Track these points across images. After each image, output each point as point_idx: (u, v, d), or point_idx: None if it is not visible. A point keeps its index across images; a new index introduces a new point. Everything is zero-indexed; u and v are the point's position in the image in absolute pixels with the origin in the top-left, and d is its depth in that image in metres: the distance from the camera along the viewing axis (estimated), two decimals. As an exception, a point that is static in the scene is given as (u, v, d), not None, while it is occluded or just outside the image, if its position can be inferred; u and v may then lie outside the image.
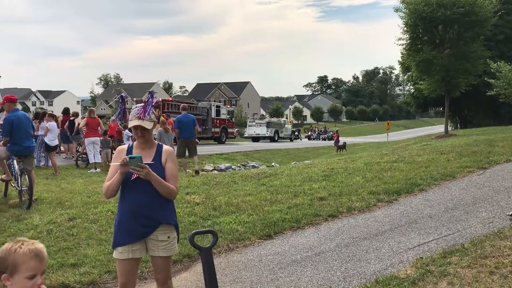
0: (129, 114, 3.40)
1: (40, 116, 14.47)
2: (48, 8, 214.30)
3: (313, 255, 5.46)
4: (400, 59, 29.82)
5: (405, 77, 42.79)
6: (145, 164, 3.12)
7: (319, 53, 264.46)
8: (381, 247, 5.57)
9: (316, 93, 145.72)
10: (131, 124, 3.29)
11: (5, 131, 7.93)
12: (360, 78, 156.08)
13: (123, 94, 3.55)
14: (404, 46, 21.20)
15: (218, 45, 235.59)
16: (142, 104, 3.38)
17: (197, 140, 13.58)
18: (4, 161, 8.34)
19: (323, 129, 59.55)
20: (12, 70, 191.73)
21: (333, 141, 35.52)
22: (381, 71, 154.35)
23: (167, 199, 3.29)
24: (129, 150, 3.36)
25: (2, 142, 8.11)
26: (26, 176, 7.77)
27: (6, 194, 8.67)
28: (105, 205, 7.59)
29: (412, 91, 37.74)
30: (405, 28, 19.96)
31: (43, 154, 14.05)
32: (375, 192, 8.08)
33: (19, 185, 7.93)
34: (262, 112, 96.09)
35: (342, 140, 33.40)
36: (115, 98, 3.56)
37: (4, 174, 8.59)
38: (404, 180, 8.82)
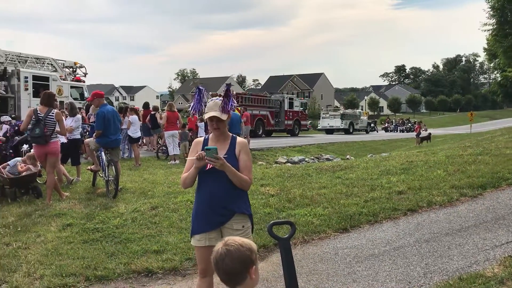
0: (205, 107, 3.49)
1: (124, 110, 15.30)
2: (130, 7, 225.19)
3: (391, 250, 5.32)
4: (486, 46, 28.00)
5: (491, 65, 40.13)
6: (221, 157, 3.20)
7: (396, 41, 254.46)
8: (464, 243, 5.30)
9: (394, 83, 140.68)
10: (207, 115, 3.38)
11: (98, 124, 8.50)
12: (441, 66, 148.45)
13: (200, 86, 3.64)
14: (490, 31, 19.91)
15: (290, 37, 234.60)
16: (218, 98, 3.46)
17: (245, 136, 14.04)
18: (94, 152, 8.92)
19: (400, 121, 57.44)
20: (96, 67, 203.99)
21: (414, 133, 34.12)
22: (463, 59, 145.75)
23: (241, 190, 3.36)
24: (205, 143, 3.46)
25: (94, 134, 8.70)
26: (113, 167, 8.27)
27: (94, 184, 9.28)
28: (184, 195, 7.89)
29: (499, 79, 35.30)
30: (491, 12, 18.74)
31: (127, 146, 14.89)
32: (457, 186, 7.69)
33: (106, 175, 8.46)
34: (336, 103, 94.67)
35: (427, 131, 32.04)
36: (193, 91, 3.67)
37: (93, 164, 9.20)
38: (490, 174, 8.30)
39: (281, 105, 31.90)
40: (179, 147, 14.37)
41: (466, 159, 10.12)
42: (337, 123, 40.05)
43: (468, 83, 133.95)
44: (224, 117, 3.35)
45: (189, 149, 12.85)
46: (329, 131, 40.21)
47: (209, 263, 3.40)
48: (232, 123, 13.30)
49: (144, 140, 17.75)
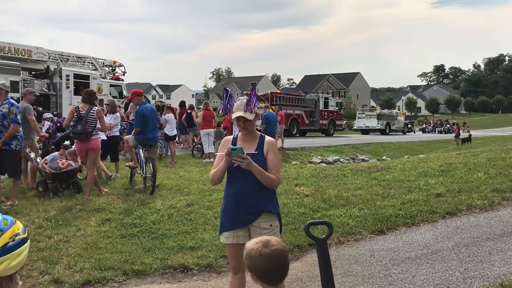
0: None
1: (160, 109, 15.57)
2: (167, 7, 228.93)
3: (428, 253, 5.21)
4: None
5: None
6: (248, 154, 3.23)
7: (435, 40, 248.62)
8: (506, 249, 5.13)
9: (432, 83, 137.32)
10: (234, 115, 3.41)
11: (137, 122, 8.70)
12: (482, 66, 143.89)
13: (227, 88, 3.69)
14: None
15: (326, 36, 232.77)
16: (245, 97, 3.49)
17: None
18: (132, 149, 9.13)
19: (439, 122, 56.01)
20: (134, 65, 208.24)
21: (452, 134, 33.20)
22: (506, 58, 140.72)
23: (269, 189, 3.37)
24: (234, 141, 3.49)
25: (133, 131, 8.90)
26: (151, 164, 8.43)
27: (132, 180, 9.49)
28: (219, 193, 7.94)
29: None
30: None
31: (163, 144, 15.14)
32: (499, 190, 7.45)
33: (144, 172, 8.63)
34: (373, 103, 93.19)
35: (466, 132, 31.14)
36: (222, 91, 3.71)
37: (132, 161, 9.40)
38: (535, 178, 8.00)
39: (316, 105, 31.68)
40: (214, 145, 14.50)
41: (509, 162, 9.78)
42: (373, 123, 39.43)
43: (511, 83, 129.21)
44: (250, 116, 3.37)
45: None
46: (365, 131, 39.65)
47: (240, 260, 3.44)
48: (269, 122, 13.46)
49: (180, 138, 18.00)
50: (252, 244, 2.06)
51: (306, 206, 7.09)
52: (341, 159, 18.12)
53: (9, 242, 1.62)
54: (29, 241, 1.70)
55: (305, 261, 5.17)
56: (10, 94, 7.68)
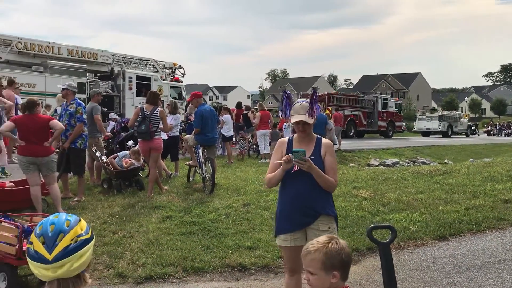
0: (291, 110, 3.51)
1: (218, 110, 15.84)
2: (224, 10, 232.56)
3: (496, 262, 4.96)
4: None
5: None
6: (307, 158, 3.21)
7: (502, 39, 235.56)
8: None
9: (498, 83, 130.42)
10: (293, 119, 3.39)
11: (197, 122, 8.93)
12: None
13: (287, 90, 3.68)
14: None
15: (385, 36, 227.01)
16: (304, 100, 3.46)
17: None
18: (192, 148, 9.34)
19: (506, 124, 53.09)
20: (193, 67, 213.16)
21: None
22: None
23: (326, 191, 3.34)
24: (290, 143, 3.48)
25: (193, 132, 9.14)
26: (210, 164, 8.60)
27: (190, 179, 9.70)
28: (275, 194, 7.91)
29: None
30: None
31: (220, 144, 15.38)
32: None
33: (203, 172, 8.81)
34: (434, 104, 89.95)
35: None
36: (282, 94, 3.71)
37: (191, 160, 9.62)
38: None
39: (374, 106, 31.00)
40: (269, 146, 14.55)
41: None
42: (434, 125, 38.00)
43: None
44: (310, 121, 3.35)
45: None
46: (426, 133, 38.31)
47: (297, 262, 3.43)
48: (316, 124, 13.41)
49: (236, 139, 18.20)
50: (322, 244, 2.03)
51: (364, 209, 6.96)
52: (401, 162, 17.62)
53: (70, 244, 1.62)
54: (93, 241, 1.71)
55: (364, 265, 5.08)
56: (77, 95, 8.08)
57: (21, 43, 17.09)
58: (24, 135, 6.50)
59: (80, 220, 1.72)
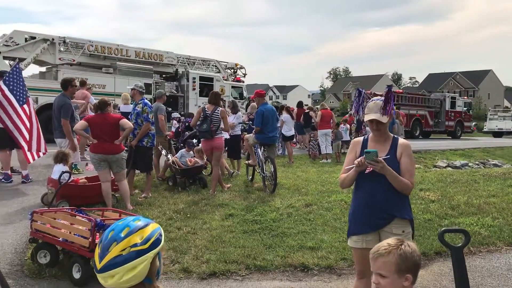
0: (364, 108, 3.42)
1: (278, 109, 15.85)
2: (284, 10, 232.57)
3: None
4: None
5: None
6: (381, 158, 3.11)
7: None
8: None
9: None
10: (366, 118, 3.30)
11: (257, 121, 9.01)
12: None
13: (360, 88, 3.58)
14: None
15: (452, 32, 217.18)
16: (379, 98, 3.36)
17: None
18: (252, 147, 9.42)
19: None
20: (253, 68, 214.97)
21: None
22: None
23: (402, 193, 3.22)
24: (364, 143, 3.39)
25: (254, 131, 9.22)
26: (270, 163, 8.63)
27: (249, 177, 9.78)
28: (338, 195, 7.87)
29: None
30: None
31: (280, 144, 15.39)
32: None
33: (264, 171, 8.85)
34: (506, 103, 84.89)
35: None
36: (354, 92, 3.63)
37: (251, 159, 9.70)
38: None
39: (441, 105, 29.73)
40: (331, 146, 14.38)
41: None
42: (507, 125, 35.92)
43: None
44: (384, 119, 3.25)
45: (341, 148, 12.68)
46: (498, 134, 36.28)
47: (367, 265, 3.34)
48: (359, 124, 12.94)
49: (297, 138, 18.14)
50: (395, 246, 1.98)
51: (432, 212, 6.70)
52: (470, 164, 16.75)
53: (121, 254, 1.52)
54: (153, 251, 1.57)
55: (431, 270, 4.88)
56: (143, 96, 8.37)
57: (92, 46, 17.99)
58: (96, 134, 6.84)
59: (146, 226, 1.60)
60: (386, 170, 3.10)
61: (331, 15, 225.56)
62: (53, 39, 17.05)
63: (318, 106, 17.30)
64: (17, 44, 16.19)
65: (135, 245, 1.54)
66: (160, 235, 1.63)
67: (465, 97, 41.67)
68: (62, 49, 17.29)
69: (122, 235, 1.55)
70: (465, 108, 31.80)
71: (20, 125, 7.45)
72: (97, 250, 1.57)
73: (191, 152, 9.55)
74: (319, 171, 11.44)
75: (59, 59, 17.19)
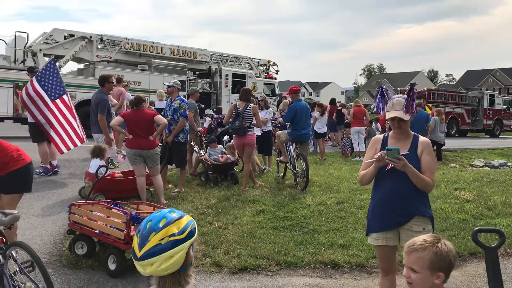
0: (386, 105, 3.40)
1: (311, 106, 15.79)
2: (318, 5, 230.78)
3: None
4: None
5: None
6: (401, 155, 3.10)
7: None
8: None
9: None
10: (388, 115, 3.29)
11: (288, 116, 9.07)
12: None
13: (383, 86, 3.56)
14: None
15: (491, 27, 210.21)
16: (401, 95, 3.34)
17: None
18: (284, 144, 9.43)
19: None
20: (286, 64, 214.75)
21: None
22: None
23: (422, 191, 3.21)
24: (384, 141, 3.39)
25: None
26: (302, 160, 8.62)
27: (279, 174, 9.80)
28: (370, 193, 7.78)
29: None
30: None
31: (312, 141, 15.34)
32: None
33: (295, 168, 8.86)
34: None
35: None
36: (377, 89, 3.59)
37: (282, 156, 9.72)
38: None
39: (479, 103, 28.88)
40: (364, 143, 14.21)
41: None
42: (549, 123, 34.52)
43: None
44: (406, 117, 3.24)
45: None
46: (539, 132, 34.94)
47: (390, 262, 3.33)
48: (414, 121, 12.74)
49: (329, 136, 18.03)
50: (431, 243, 1.98)
51: (467, 212, 6.56)
52: (509, 163, 16.24)
53: (159, 243, 1.60)
54: (189, 241, 1.66)
55: (465, 270, 4.79)
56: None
57: (128, 43, 18.37)
58: (131, 129, 7.01)
59: (181, 218, 1.69)
60: (407, 167, 3.10)
61: (363, 11, 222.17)
62: (90, 37, 17.50)
63: (352, 103, 17.12)
64: (56, 42, 16.70)
65: (172, 234, 1.63)
66: (194, 227, 1.72)
67: (505, 95, 40.21)
68: (99, 46, 17.74)
69: (160, 225, 1.64)
70: (504, 106, 30.80)
71: (51, 118, 7.66)
72: (136, 240, 1.65)
73: (218, 149, 9.65)
74: (351, 169, 11.34)
75: (97, 56, 17.64)
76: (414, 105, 3.29)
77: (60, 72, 7.65)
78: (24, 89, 7.04)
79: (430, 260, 1.94)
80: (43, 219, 6.30)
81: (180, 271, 1.68)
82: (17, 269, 3.38)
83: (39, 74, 7.32)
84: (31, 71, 8.72)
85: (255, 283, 4.48)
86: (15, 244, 3.52)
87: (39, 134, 8.40)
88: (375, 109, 3.59)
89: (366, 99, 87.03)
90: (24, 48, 16.08)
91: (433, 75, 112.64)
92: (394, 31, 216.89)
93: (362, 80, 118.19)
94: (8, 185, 4.71)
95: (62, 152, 8.19)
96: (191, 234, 1.68)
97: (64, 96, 8.04)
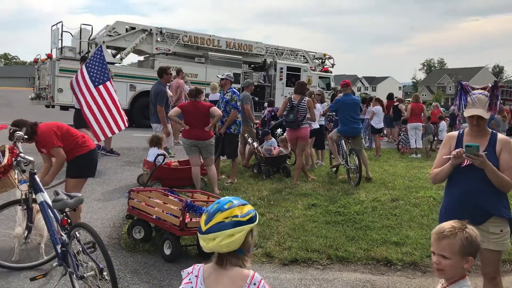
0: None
1: (367, 101, 15.49)
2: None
3: None
4: None
5: None
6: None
7: None
8: None
9: None
10: (467, 113, 3.15)
11: (331, 108, 9.38)
12: None
13: (462, 81, 3.40)
14: None
15: None
16: (481, 92, 3.19)
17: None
18: (334, 144, 9.25)
19: None
20: (342, 58, 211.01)
21: None
22: None
23: (500, 191, 3.07)
24: (460, 137, 3.25)
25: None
26: (355, 155, 8.50)
27: (338, 170, 9.69)
28: (426, 191, 7.59)
29: None
30: None
31: (368, 136, 15.06)
32: None
33: (347, 163, 8.75)
34: None
35: None
36: (456, 85, 3.43)
37: (334, 159, 9.53)
38: None
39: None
40: (422, 140, 13.77)
41: None
42: None
43: None
44: (487, 115, 3.09)
45: (431, 143, 12.12)
46: None
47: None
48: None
49: (385, 131, 17.62)
50: (460, 228, 2.07)
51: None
52: None
53: (224, 221, 1.77)
54: (248, 225, 1.79)
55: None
56: (232, 85, 8.61)
57: (186, 37, 18.76)
58: (188, 120, 7.19)
59: (244, 205, 1.84)
60: (486, 164, 2.97)
61: (425, 3, 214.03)
62: (151, 30, 18.03)
63: (410, 99, 16.62)
64: (118, 34, 17.34)
65: (236, 216, 1.79)
66: (255, 214, 1.86)
67: None
68: (158, 39, 18.22)
69: (226, 206, 1.81)
70: None
71: (92, 104, 7.87)
72: (204, 217, 1.84)
73: (270, 141, 9.69)
74: (407, 166, 11.05)
75: (156, 48, 18.15)
76: (498, 103, 3.16)
77: (106, 60, 7.83)
78: (74, 76, 7.33)
79: (461, 246, 2.01)
80: (104, 203, 6.61)
81: (238, 252, 1.81)
82: (80, 249, 3.57)
83: (88, 61, 7.61)
84: (83, 59, 9.10)
85: (305, 275, 4.49)
86: (79, 225, 3.72)
87: (82, 120, 8.75)
88: (455, 109, 3.36)
89: (425, 95, 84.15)
90: (89, 40, 16.81)
91: (498, 71, 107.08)
92: (457, 24, 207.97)
93: (421, 75, 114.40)
94: (73, 170, 4.99)
95: (99, 140, 8.49)
96: (252, 219, 1.83)
97: (108, 83, 8.23)
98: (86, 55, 14.22)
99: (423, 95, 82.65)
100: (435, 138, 14.91)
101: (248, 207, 1.85)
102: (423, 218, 6.23)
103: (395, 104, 16.54)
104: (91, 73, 7.59)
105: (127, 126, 8.31)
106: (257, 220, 1.85)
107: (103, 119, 7.79)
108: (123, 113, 7.88)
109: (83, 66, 7.79)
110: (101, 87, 7.95)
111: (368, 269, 4.68)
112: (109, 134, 7.94)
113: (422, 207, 6.74)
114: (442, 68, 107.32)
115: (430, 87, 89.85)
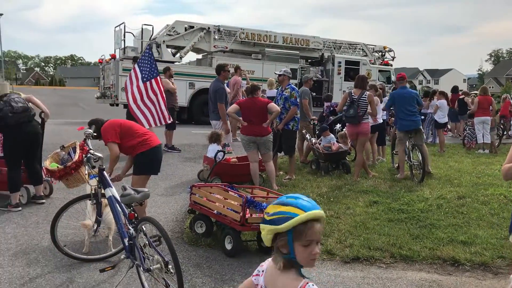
0: None
1: (430, 94, 14.92)
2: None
3: None
4: None
5: None
6: None
7: None
8: None
9: None
10: None
11: (387, 104, 9.17)
12: None
13: None
14: None
15: None
16: None
17: None
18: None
19: None
20: (403, 51, 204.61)
21: None
22: None
23: None
24: None
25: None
26: (418, 151, 8.21)
27: (395, 165, 9.37)
28: (496, 188, 7.21)
29: None
30: None
31: (431, 131, 14.50)
32: None
33: (410, 159, 8.46)
34: None
35: None
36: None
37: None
38: None
39: None
40: (490, 135, 13.07)
41: None
42: None
43: None
44: None
45: (500, 137, 11.47)
46: None
47: None
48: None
49: (449, 126, 16.90)
50: None
51: None
52: None
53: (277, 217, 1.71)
54: (268, 226, 1.73)
55: None
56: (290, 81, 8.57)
57: (243, 33, 18.90)
58: (246, 117, 7.23)
59: (283, 205, 1.73)
60: None
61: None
62: (209, 28, 18.33)
63: (477, 91, 15.82)
64: (178, 34, 17.77)
65: (267, 213, 1.77)
66: (290, 218, 1.68)
67: None
68: (216, 37, 18.50)
69: (274, 202, 1.79)
70: None
71: (137, 96, 8.03)
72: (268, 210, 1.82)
73: (329, 137, 9.53)
74: (474, 162, 10.54)
75: (214, 46, 18.44)
76: None
77: (155, 58, 8.03)
78: (128, 75, 7.57)
79: None
80: (167, 198, 6.81)
81: (289, 256, 1.72)
82: (147, 242, 3.69)
83: (139, 60, 7.82)
84: (136, 60, 9.42)
85: (368, 273, 4.39)
86: (146, 219, 3.85)
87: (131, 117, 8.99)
88: None
89: (492, 87, 79.84)
90: (150, 40, 17.35)
91: None
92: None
93: (487, 67, 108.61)
94: (135, 166, 5.16)
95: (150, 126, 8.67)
96: (276, 222, 1.71)
97: (154, 80, 8.37)
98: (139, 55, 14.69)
99: (490, 87, 78.39)
100: (505, 133, 14.12)
101: (287, 208, 1.71)
102: (493, 216, 5.92)
103: (461, 97, 15.82)
104: (141, 70, 7.83)
105: (168, 123, 8.41)
106: (283, 225, 1.68)
107: (147, 110, 7.98)
108: (162, 111, 8.02)
109: (136, 65, 8.05)
110: (148, 83, 8.14)
111: (434, 269, 4.50)
112: (153, 125, 8.12)
113: (492, 205, 6.40)
114: (511, 58, 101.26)
115: (498, 78, 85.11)
